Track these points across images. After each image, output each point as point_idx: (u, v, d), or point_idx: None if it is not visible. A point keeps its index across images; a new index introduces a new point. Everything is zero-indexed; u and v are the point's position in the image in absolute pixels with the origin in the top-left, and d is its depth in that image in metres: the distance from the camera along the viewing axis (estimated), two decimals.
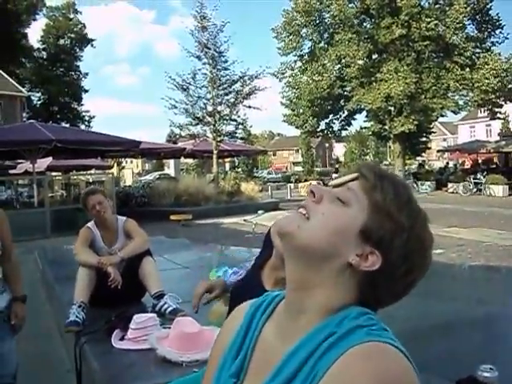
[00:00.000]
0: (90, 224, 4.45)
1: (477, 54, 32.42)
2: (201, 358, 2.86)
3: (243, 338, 1.14)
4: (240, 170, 38.04)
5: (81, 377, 3.51)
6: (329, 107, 36.84)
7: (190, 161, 39.62)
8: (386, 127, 34.16)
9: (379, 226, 0.99)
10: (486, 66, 31.00)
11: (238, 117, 23.77)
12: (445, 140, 70.74)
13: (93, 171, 29.86)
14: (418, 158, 45.18)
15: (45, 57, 49.16)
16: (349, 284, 1.00)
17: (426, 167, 40.51)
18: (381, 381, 0.83)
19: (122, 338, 3.55)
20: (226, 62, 23.04)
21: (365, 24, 34.42)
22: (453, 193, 28.83)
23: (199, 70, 22.93)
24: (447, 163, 39.72)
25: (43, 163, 23.80)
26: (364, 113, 37.08)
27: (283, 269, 1.90)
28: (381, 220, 1.00)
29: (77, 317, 3.86)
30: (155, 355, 3.13)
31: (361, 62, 33.74)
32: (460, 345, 3.79)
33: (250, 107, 23.46)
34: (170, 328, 3.31)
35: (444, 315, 4.84)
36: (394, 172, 31.91)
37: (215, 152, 22.79)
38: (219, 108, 22.81)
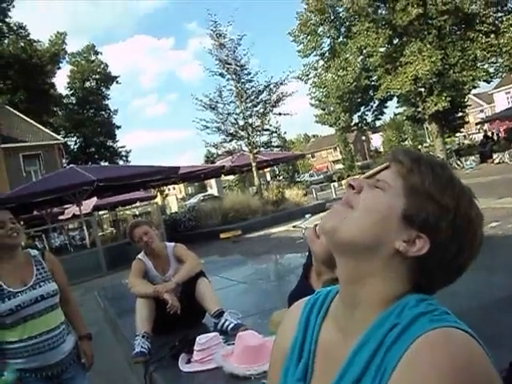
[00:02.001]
0: (141, 255, 4.51)
1: (499, 19, 31.73)
2: (267, 368, 2.86)
3: (303, 339, 1.13)
4: (281, 177, 38.01)
5: None
6: (359, 100, 36.59)
7: (230, 177, 39.89)
8: (420, 109, 33.66)
9: (421, 209, 0.97)
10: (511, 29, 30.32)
11: (270, 126, 23.80)
12: (482, 111, 69.17)
13: (138, 204, 30.31)
14: (458, 135, 44.33)
15: (74, 102, 50.44)
16: (400, 271, 0.98)
17: (467, 141, 39.68)
18: (453, 368, 0.82)
19: (188, 361, 3.58)
20: (249, 74, 23.14)
21: (380, 11, 34.00)
22: (499, 163, 28.12)
23: (224, 86, 23.09)
24: (486, 134, 38.65)
25: (89, 204, 24.33)
26: (395, 99, 36.65)
27: (327, 272, 1.90)
28: (422, 203, 0.97)
29: (142, 347, 3.91)
30: (223, 373, 3.15)
31: (382, 49, 33.44)
32: None
33: (280, 114, 23.50)
34: (233, 344, 3.31)
35: (507, 289, 4.71)
36: (435, 153, 31.60)
37: (254, 164, 22.85)
38: (250, 120, 22.88)
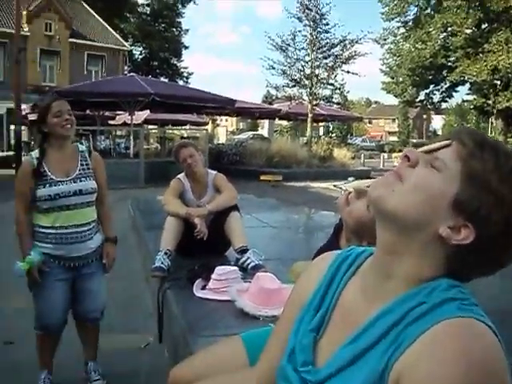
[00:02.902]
0: (181, 176, 4.54)
1: None
2: (278, 314, 2.87)
3: (325, 291, 1.13)
4: (334, 135, 37.57)
5: (162, 320, 3.65)
6: (430, 77, 35.69)
7: (284, 123, 39.64)
8: (490, 102, 32.69)
9: (475, 198, 0.93)
10: None
11: (336, 81, 23.54)
12: None
13: (188, 127, 30.44)
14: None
15: (148, 12, 50.13)
16: (438, 255, 0.97)
17: None
18: (468, 358, 0.81)
19: (203, 288, 3.65)
20: (326, 24, 22.77)
21: None
22: None
23: (299, 31, 22.83)
24: None
25: (141, 116, 24.60)
26: (467, 85, 35.75)
27: (355, 240, 1.89)
28: (477, 191, 0.93)
29: (162, 263, 3.99)
30: (234, 307, 3.19)
31: (468, 31, 32.30)
32: None
33: (348, 72, 23.21)
34: (250, 282, 3.36)
35: None
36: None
37: (310, 115, 22.69)
38: (317, 71, 22.63)
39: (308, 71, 22.58)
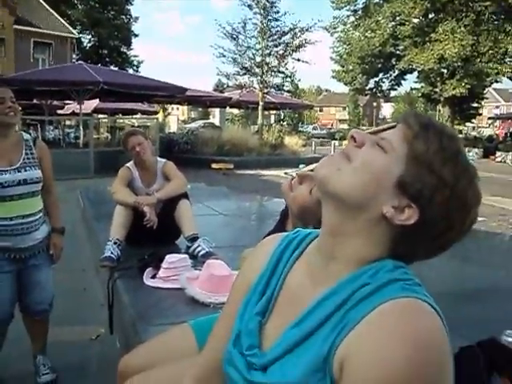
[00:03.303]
0: (130, 164, 4.49)
1: None
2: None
3: (271, 274, 1.13)
4: (285, 123, 37.71)
5: (112, 310, 3.61)
6: (379, 65, 36.20)
7: (235, 111, 39.54)
8: (437, 90, 33.37)
9: (418, 179, 0.94)
10: None
11: (286, 69, 23.59)
12: (497, 107, 68.65)
13: (138, 116, 30.08)
14: (468, 124, 44.07)
15: None
16: (383, 236, 0.97)
17: (475, 134, 39.52)
18: (414, 339, 0.82)
19: (153, 276, 3.63)
20: (277, 12, 22.77)
21: None
22: (500, 162, 28.00)
23: (250, 19, 22.71)
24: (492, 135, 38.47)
25: (90, 105, 24.15)
26: (415, 73, 36.42)
27: (301, 225, 1.90)
28: (420, 173, 0.94)
29: (112, 253, 3.95)
30: (184, 295, 3.19)
31: (416, 20, 32.88)
32: (490, 312, 3.74)
33: (298, 60, 23.26)
34: (200, 270, 3.35)
35: (478, 281, 4.78)
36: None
37: (261, 103, 22.71)
38: (268, 59, 22.61)
39: (259, 59, 22.55)
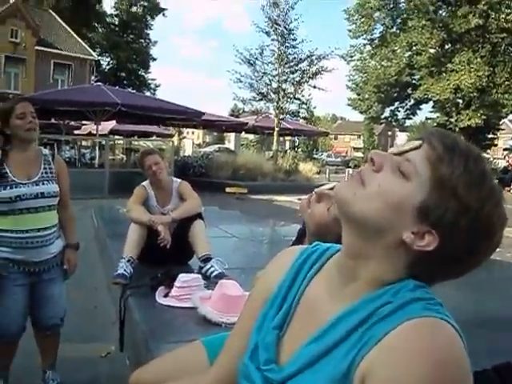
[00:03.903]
0: (145, 183, 4.52)
1: None
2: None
3: (289, 287, 1.12)
4: (300, 150, 37.82)
5: (123, 327, 3.60)
6: (395, 94, 36.26)
7: (250, 137, 39.71)
8: (452, 120, 33.27)
9: (440, 204, 0.91)
10: None
11: (302, 96, 23.72)
12: None
13: (154, 138, 30.29)
14: (483, 155, 43.82)
15: (116, 23, 49.88)
16: (402, 260, 0.96)
17: (491, 165, 39.29)
18: (435, 358, 0.82)
19: (165, 295, 3.63)
20: (294, 39, 22.94)
21: (440, 11, 33.36)
22: None
23: (267, 46, 22.92)
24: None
25: (107, 126, 24.37)
26: (431, 103, 36.31)
27: None
28: (443, 197, 0.91)
29: (125, 270, 3.95)
30: (196, 314, 3.19)
31: (432, 50, 32.96)
32: (501, 340, 3.70)
33: (315, 87, 23.37)
34: (213, 290, 3.35)
35: (490, 311, 4.73)
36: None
37: (276, 129, 22.79)
38: (284, 86, 22.76)
39: (275, 85, 22.69)
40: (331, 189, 1.97)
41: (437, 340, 0.84)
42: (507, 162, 37.57)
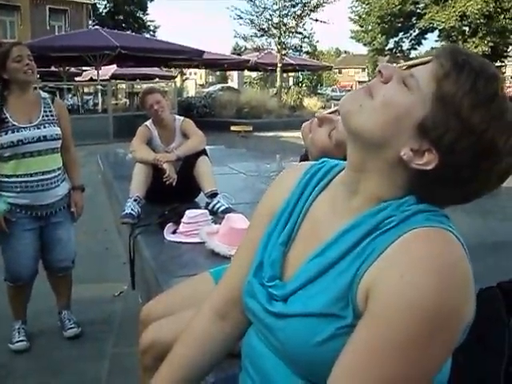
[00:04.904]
0: (148, 123, 4.48)
1: None
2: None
3: (295, 204, 1.12)
4: (304, 85, 37.34)
5: (133, 265, 3.65)
6: (399, 25, 35.57)
7: (253, 74, 39.22)
8: None
9: (442, 123, 0.88)
10: None
11: (304, 30, 23.40)
12: None
13: (156, 80, 29.98)
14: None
15: None
16: (402, 178, 0.94)
17: None
18: (439, 264, 0.82)
19: (174, 232, 3.65)
20: None
21: None
22: None
23: None
24: None
25: (108, 71, 24.12)
26: (436, 32, 35.59)
27: None
28: (445, 116, 0.88)
29: (132, 210, 3.96)
30: (204, 248, 3.21)
31: None
32: (508, 263, 3.74)
33: (316, 20, 23.05)
34: (220, 224, 3.36)
35: (498, 234, 4.77)
36: None
37: (279, 65, 22.54)
38: (285, 20, 22.39)
39: (276, 20, 22.32)
40: (333, 112, 1.94)
41: (438, 248, 0.85)
42: None
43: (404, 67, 0.98)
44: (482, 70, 0.90)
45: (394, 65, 1.00)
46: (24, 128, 3.06)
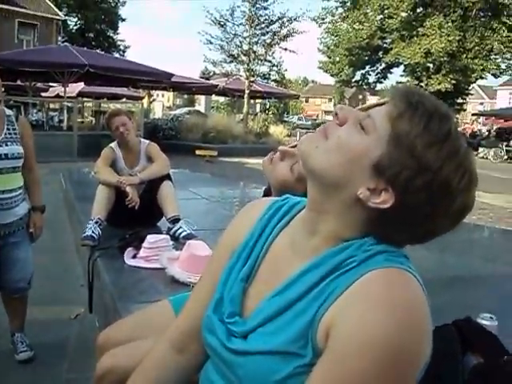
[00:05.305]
0: (113, 144, 4.46)
1: None
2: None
3: (257, 240, 1.12)
4: (270, 112, 37.63)
5: (92, 289, 3.60)
6: (366, 58, 36.26)
7: (221, 99, 39.43)
8: (423, 84, 33.43)
9: (396, 162, 0.90)
10: None
11: (273, 58, 23.65)
12: (482, 104, 68.86)
13: (123, 100, 29.86)
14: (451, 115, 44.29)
15: None
16: (359, 217, 0.96)
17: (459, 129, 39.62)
18: (397, 304, 0.84)
19: (134, 256, 3.62)
20: (266, 0, 22.69)
21: None
22: (483, 158, 27.99)
23: (238, 7, 22.72)
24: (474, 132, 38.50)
25: (75, 88, 23.96)
26: (401, 67, 36.42)
27: None
28: (400, 155, 0.90)
29: (93, 232, 3.92)
30: (165, 275, 3.19)
31: (404, 14, 32.92)
32: (465, 297, 3.81)
33: (286, 50, 23.33)
34: (181, 250, 3.35)
35: (457, 269, 4.86)
36: None
37: (247, 92, 22.71)
38: (255, 48, 22.65)
39: (246, 47, 22.55)
40: (294, 146, 1.96)
41: (397, 288, 0.86)
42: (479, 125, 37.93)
43: (363, 109, 1.00)
44: (436, 110, 0.92)
45: (350, 107, 1.01)
46: None
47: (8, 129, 3.14)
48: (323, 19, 36.28)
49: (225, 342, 1.04)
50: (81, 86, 24.19)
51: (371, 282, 0.88)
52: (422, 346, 0.86)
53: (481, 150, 29.37)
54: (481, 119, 45.91)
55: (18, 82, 21.59)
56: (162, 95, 50.26)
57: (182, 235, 4.03)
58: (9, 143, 3.08)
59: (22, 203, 3.24)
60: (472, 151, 0.98)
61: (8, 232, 3.16)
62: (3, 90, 3.17)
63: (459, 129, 0.93)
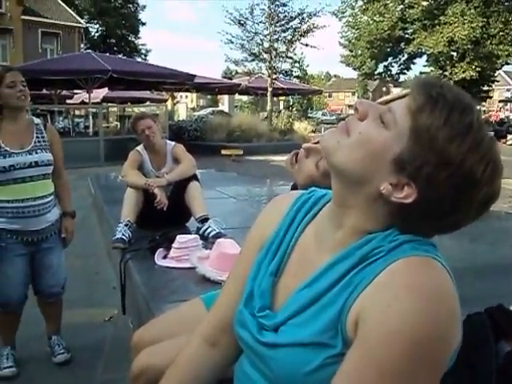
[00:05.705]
0: (140, 148, 4.51)
1: None
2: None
3: (285, 234, 1.14)
4: (294, 109, 37.52)
5: (124, 290, 3.64)
6: (388, 49, 35.88)
7: (244, 98, 39.49)
8: (447, 73, 33.02)
9: (418, 156, 0.89)
10: None
11: (295, 55, 23.70)
12: (508, 90, 67.80)
13: (147, 103, 30.08)
14: (478, 108, 43.73)
15: None
16: (383, 212, 0.96)
17: (485, 116, 39.08)
18: (425, 292, 0.84)
19: (164, 257, 3.66)
20: None
21: None
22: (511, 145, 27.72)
23: (257, 5, 22.74)
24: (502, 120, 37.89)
25: (99, 94, 24.17)
26: (424, 57, 35.97)
27: None
28: (421, 150, 0.89)
29: (123, 234, 3.97)
30: (195, 274, 3.22)
31: (425, 3, 32.49)
32: (497, 287, 3.76)
33: (307, 45, 23.28)
34: (211, 250, 3.37)
35: (488, 259, 4.80)
36: None
37: (270, 89, 22.69)
38: (276, 45, 22.63)
39: (267, 45, 22.56)
40: (317, 142, 1.97)
41: (425, 276, 0.87)
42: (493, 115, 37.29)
43: (383, 102, 0.99)
44: (457, 102, 0.91)
45: (370, 101, 1.00)
46: (16, 153, 3.06)
47: (37, 137, 3.20)
48: (343, 13, 36.06)
49: (256, 335, 1.06)
50: (105, 91, 24.41)
51: (398, 270, 0.88)
52: (451, 332, 0.86)
53: (510, 137, 28.92)
54: (508, 106, 45.25)
55: (44, 91, 21.93)
56: (186, 97, 50.60)
57: (211, 234, 4.06)
58: (39, 151, 3.15)
59: (53, 209, 3.29)
60: (496, 141, 0.97)
61: (41, 238, 3.22)
62: (29, 99, 3.23)
63: (486, 116, 0.93)
